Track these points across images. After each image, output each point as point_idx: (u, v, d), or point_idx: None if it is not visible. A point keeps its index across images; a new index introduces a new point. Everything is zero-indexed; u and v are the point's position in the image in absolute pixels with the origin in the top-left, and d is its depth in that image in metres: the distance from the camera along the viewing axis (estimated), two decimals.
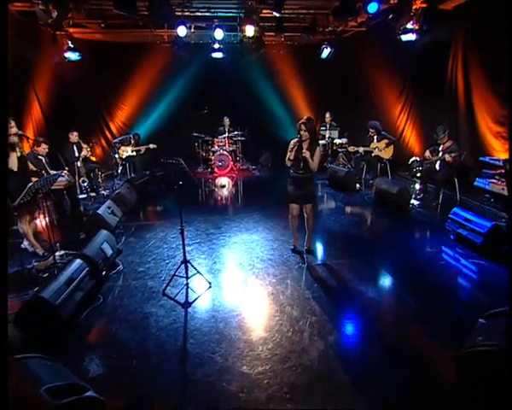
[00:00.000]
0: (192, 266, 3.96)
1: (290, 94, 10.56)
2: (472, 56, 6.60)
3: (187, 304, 3.59)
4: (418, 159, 7.74)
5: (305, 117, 4.13)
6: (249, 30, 7.20)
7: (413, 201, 6.34)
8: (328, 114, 8.95)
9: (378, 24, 8.09)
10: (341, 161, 8.65)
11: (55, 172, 6.26)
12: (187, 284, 3.89)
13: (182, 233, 3.86)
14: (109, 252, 4.14)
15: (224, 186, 8.32)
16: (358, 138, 7.95)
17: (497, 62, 5.82)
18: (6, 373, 1.46)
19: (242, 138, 9.27)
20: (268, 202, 6.78)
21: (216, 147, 8.99)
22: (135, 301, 3.68)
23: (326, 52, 8.92)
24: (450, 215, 4.89)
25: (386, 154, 7.37)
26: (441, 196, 6.19)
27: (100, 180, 7.08)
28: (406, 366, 2.73)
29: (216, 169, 8.96)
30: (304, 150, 4.01)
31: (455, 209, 4.87)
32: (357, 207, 6.46)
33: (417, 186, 6.93)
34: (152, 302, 3.64)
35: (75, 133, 6.90)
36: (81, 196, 6.82)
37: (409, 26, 7.05)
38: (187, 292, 3.79)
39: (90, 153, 7.18)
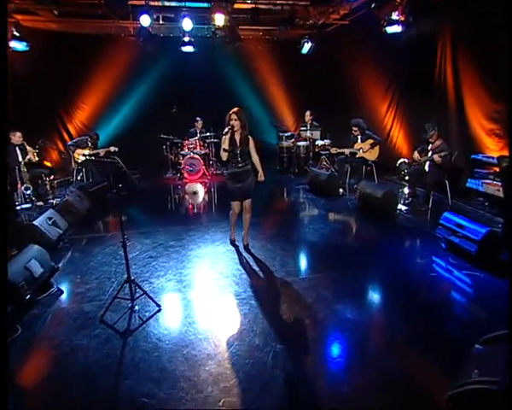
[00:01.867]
0: (138, 286, 3.50)
1: (269, 92, 10.34)
2: (461, 49, 6.47)
3: (127, 333, 3.12)
4: (406, 160, 7.53)
5: (236, 108, 4.18)
6: (219, 19, 6.89)
7: (400, 205, 6.06)
8: (308, 113, 8.68)
9: (362, 16, 7.96)
10: (324, 164, 8.39)
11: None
12: (131, 307, 3.42)
13: (124, 247, 3.40)
14: (38, 271, 3.64)
15: (193, 193, 7.88)
16: (342, 140, 7.70)
17: (488, 55, 5.66)
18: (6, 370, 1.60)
19: (216, 140, 8.87)
20: None
21: (186, 150, 8.56)
22: (63, 331, 3.18)
23: (307, 47, 8.79)
24: (440, 221, 4.60)
25: (372, 155, 7.13)
26: (431, 199, 5.93)
27: (48, 187, 6.53)
28: (393, 404, 2.33)
29: (186, 174, 8.52)
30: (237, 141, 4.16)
31: (446, 214, 4.58)
32: (339, 214, 6.13)
33: (406, 190, 6.68)
34: (85, 332, 3.15)
35: (18, 134, 6.41)
36: (24, 206, 6.29)
37: (394, 17, 6.90)
38: (130, 318, 3.32)
39: (35, 156, 6.62)
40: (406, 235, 5.18)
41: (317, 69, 9.52)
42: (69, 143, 7.82)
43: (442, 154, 5.64)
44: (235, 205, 4.46)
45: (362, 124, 7.09)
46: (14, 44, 7.34)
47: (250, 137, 4.29)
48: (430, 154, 5.90)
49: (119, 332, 3.14)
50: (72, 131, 9.46)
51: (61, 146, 9.14)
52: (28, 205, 6.32)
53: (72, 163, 7.71)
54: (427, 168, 5.99)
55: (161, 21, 8.51)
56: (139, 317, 3.33)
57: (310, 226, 5.52)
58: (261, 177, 4.40)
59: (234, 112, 4.17)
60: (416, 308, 3.40)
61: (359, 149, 7.17)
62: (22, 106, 8.09)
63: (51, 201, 6.64)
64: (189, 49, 8.56)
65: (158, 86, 9.36)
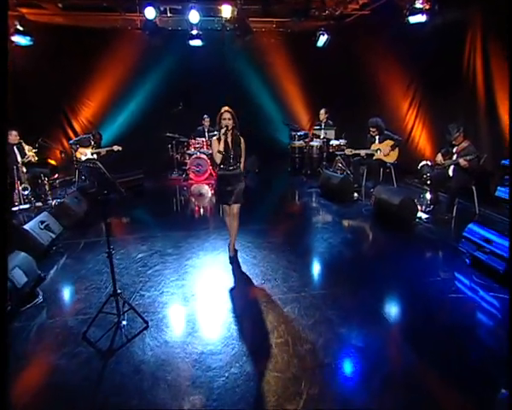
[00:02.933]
0: (124, 300, 3.35)
1: (281, 88, 10.09)
2: (493, 40, 6.09)
3: (110, 353, 2.97)
4: (429, 163, 7.17)
5: (227, 107, 4.04)
6: (226, 10, 6.73)
7: (421, 213, 5.72)
8: (322, 111, 8.40)
9: (383, 5, 7.65)
10: (339, 166, 8.10)
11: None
12: (117, 323, 3.28)
13: (110, 258, 3.26)
14: (22, 281, 3.54)
15: (199, 195, 7.75)
16: (358, 140, 7.42)
17: None
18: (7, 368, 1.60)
19: None
20: (249, 215, 6.14)
21: (192, 149, 8.43)
22: (42, 348, 3.06)
23: (322, 40, 8.55)
24: (464, 234, 4.26)
25: (391, 157, 6.79)
26: (455, 207, 5.56)
27: (46, 188, 6.52)
28: None
29: (192, 175, 8.39)
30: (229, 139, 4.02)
31: (471, 226, 4.24)
32: (351, 222, 5.84)
33: (427, 195, 6.32)
34: (65, 350, 3.02)
35: (14, 132, 6.46)
36: (23, 207, 6.29)
37: (417, 5, 6.56)
38: (114, 335, 3.18)
39: (35, 156, 6.62)
40: (425, 247, 4.85)
41: (333, 64, 9.23)
42: (71, 141, 7.80)
43: (468, 157, 5.27)
44: (226, 207, 4.33)
45: (380, 123, 6.76)
46: (17, 39, 7.39)
47: (241, 138, 4.16)
48: (455, 157, 5.53)
49: (101, 351, 2.99)
50: (78, 129, 9.52)
51: (66, 144, 9.19)
52: (26, 206, 6.32)
53: (74, 162, 7.68)
54: (451, 172, 5.63)
55: (169, 14, 8.42)
56: (125, 335, 3.18)
57: (318, 235, 5.25)
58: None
59: (227, 111, 4.01)
60: (435, 333, 3.11)
61: (376, 151, 6.85)
62: (24, 103, 8.17)
63: (50, 201, 6.62)
64: (197, 42, 8.42)
65: (164, 82, 9.28)
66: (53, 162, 9.17)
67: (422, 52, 7.25)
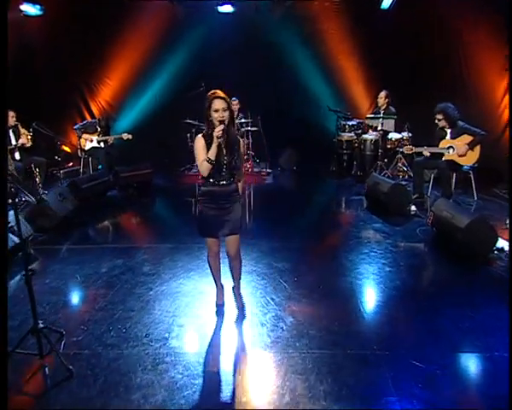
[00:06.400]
0: (47, 339, 2.95)
1: (333, 66, 9.20)
2: None
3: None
4: None
5: (219, 90, 3.13)
6: None
7: (503, 243, 4.57)
8: (382, 94, 7.53)
9: None
10: (400, 168, 7.32)
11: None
12: (41, 365, 2.91)
13: (28, 284, 2.87)
14: None
15: None
16: (429, 134, 6.48)
17: None
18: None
19: (254, 128, 8.30)
20: (266, 229, 5.60)
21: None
22: None
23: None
24: None
25: (468, 159, 5.88)
26: None
27: (38, 180, 6.53)
28: None
29: None
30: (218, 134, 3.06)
31: None
32: (397, 248, 4.86)
33: None
34: None
35: (11, 113, 6.49)
36: (10, 201, 6.31)
37: None
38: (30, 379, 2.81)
39: (29, 140, 6.67)
40: (503, 298, 3.74)
41: (401, 31, 8.29)
42: (76, 126, 7.83)
43: None
44: (212, 242, 3.44)
45: (451, 111, 5.85)
46: (26, 8, 7.59)
47: (240, 138, 3.39)
48: None
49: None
50: (95, 112, 9.67)
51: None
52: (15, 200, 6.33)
53: (79, 151, 7.69)
54: None
55: None
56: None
57: (352, 268, 4.38)
58: None
59: (220, 97, 3.08)
60: None
61: (448, 149, 5.91)
62: (34, 80, 8.43)
63: (43, 196, 6.61)
64: (227, 8, 8.28)
65: (189, 60, 9.06)
66: (67, 149, 9.42)
67: None
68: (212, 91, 3.12)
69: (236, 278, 3.56)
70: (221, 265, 3.61)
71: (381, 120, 7.38)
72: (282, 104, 9.00)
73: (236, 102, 8.35)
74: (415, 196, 6.08)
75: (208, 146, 3.10)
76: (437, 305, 3.70)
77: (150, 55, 9.21)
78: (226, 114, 3.07)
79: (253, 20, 8.54)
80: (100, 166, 7.78)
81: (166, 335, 3.27)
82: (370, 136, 7.66)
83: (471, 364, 2.99)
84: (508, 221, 5.00)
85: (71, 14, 8.58)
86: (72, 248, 5.11)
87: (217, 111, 3.03)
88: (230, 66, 8.60)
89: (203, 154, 3.11)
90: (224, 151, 3.17)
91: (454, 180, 6.03)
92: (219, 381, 2.80)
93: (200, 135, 3.22)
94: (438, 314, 3.55)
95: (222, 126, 3.01)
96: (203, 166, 3.12)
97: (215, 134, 3.01)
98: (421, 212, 5.81)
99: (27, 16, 7.59)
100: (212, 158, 3.07)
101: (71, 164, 8.97)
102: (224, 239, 3.40)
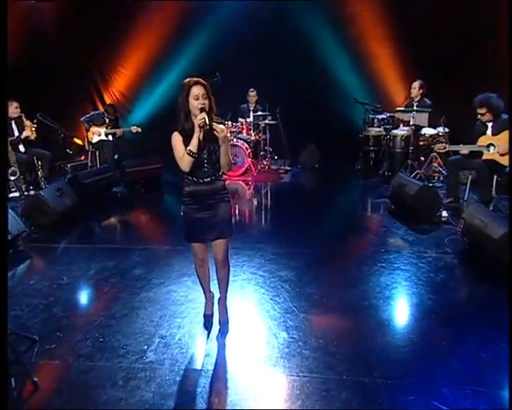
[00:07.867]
0: (12, 348, 2.88)
1: (361, 53, 8.92)
2: None
3: None
4: None
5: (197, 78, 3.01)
6: None
7: None
8: (416, 85, 7.19)
9: None
10: (435, 168, 6.99)
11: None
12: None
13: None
14: None
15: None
16: (467, 129, 6.17)
17: None
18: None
19: (273, 122, 8.18)
20: (277, 233, 5.50)
21: (227, 134, 7.93)
22: None
23: None
24: None
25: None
26: None
27: (40, 173, 6.66)
28: None
29: None
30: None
31: None
32: (417, 259, 4.51)
33: None
34: None
35: (15, 104, 6.66)
36: (12, 195, 6.50)
37: None
38: None
39: (33, 132, 6.80)
40: None
41: (439, 13, 7.97)
42: (83, 117, 7.93)
43: None
44: (198, 248, 3.34)
45: (494, 100, 5.45)
46: None
47: (223, 126, 3.11)
48: None
49: None
50: (109, 102, 9.73)
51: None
52: (16, 194, 6.50)
53: (86, 144, 7.80)
54: None
55: None
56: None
57: (364, 280, 4.07)
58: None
59: (199, 82, 2.97)
60: None
61: (488, 147, 5.53)
62: (45, 68, 8.61)
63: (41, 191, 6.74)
64: None
65: (206, 49, 9.05)
66: (79, 142, 9.61)
67: None
68: (189, 78, 3.00)
69: (223, 290, 3.40)
70: (210, 272, 3.48)
71: (413, 113, 7.04)
72: (304, 96, 8.80)
73: (254, 93, 8.36)
74: (448, 200, 5.78)
75: (186, 141, 2.96)
76: (458, 330, 3.38)
77: (166, 44, 9.29)
78: (206, 102, 2.94)
79: (275, 5, 8.43)
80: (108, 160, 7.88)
81: (145, 347, 3.15)
82: (401, 131, 7.33)
83: None
84: None
85: (86, 2, 8.75)
86: (66, 247, 5.14)
87: (197, 98, 2.90)
88: (249, 54, 8.56)
89: (182, 148, 2.96)
90: (203, 145, 3.01)
91: (495, 183, 5.68)
92: (193, 403, 2.66)
93: (175, 132, 3.04)
94: (459, 341, 3.24)
95: (204, 114, 2.86)
96: (184, 161, 2.98)
97: (197, 123, 2.87)
98: (454, 218, 5.44)
99: (37, 1, 7.74)
100: (194, 150, 2.92)
101: (83, 158, 9.14)
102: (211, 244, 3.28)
